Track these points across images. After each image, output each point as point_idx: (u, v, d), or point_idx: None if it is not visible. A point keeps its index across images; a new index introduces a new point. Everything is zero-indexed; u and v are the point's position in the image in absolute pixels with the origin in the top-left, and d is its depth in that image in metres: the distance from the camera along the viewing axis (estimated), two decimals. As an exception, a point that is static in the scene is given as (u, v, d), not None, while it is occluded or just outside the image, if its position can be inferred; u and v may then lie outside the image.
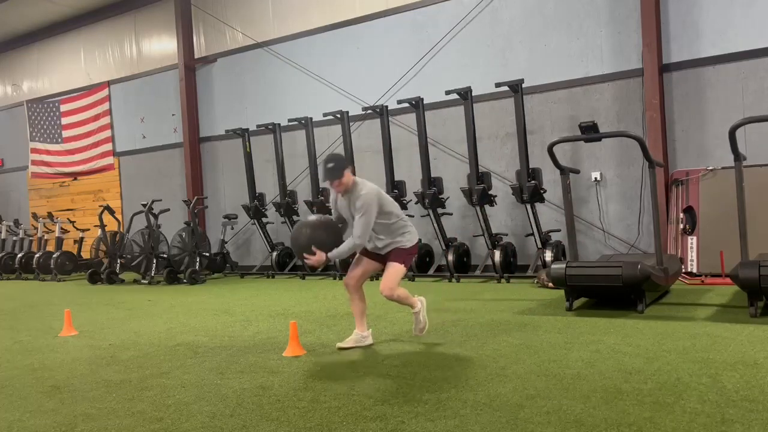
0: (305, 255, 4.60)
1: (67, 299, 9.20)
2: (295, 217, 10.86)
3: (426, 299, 5.10)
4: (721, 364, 3.88)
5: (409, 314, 6.28)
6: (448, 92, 8.96)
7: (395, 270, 4.72)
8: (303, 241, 4.63)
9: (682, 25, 8.23)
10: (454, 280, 8.87)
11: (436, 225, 9.22)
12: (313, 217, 4.81)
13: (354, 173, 4.83)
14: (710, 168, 8.00)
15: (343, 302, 7.37)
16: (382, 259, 4.84)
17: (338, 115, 10.15)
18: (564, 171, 6.54)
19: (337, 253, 4.59)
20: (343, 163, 4.61)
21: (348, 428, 3.12)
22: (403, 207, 9.64)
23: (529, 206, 8.49)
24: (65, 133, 15.27)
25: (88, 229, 13.56)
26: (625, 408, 3.18)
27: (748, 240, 5.53)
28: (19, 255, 13.33)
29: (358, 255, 4.89)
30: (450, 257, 9.03)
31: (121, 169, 14.47)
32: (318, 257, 4.55)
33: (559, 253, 8.49)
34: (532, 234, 8.59)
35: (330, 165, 4.58)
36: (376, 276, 9.59)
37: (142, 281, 10.92)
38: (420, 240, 4.96)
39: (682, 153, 8.32)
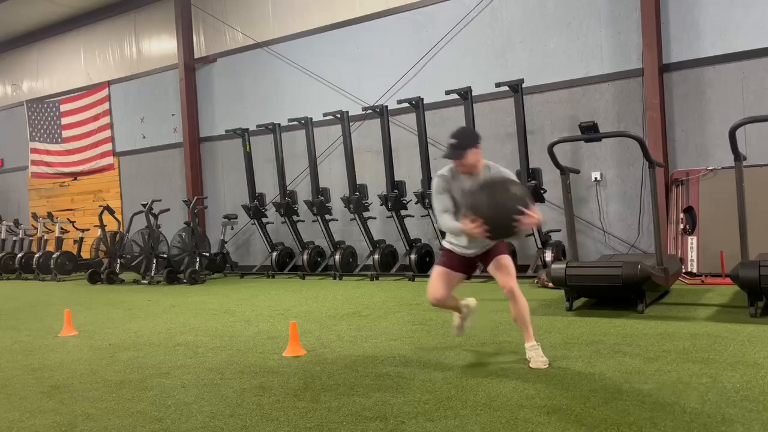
0: (516, 219, 3.71)
1: (67, 299, 9.19)
2: (294, 217, 10.85)
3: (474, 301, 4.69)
4: (721, 364, 3.88)
5: (409, 314, 6.30)
6: (448, 92, 8.96)
7: (510, 262, 4.15)
8: (511, 205, 3.74)
9: (682, 25, 8.23)
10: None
11: (436, 225, 9.22)
12: (493, 180, 3.98)
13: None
14: (710, 168, 8.00)
15: (343, 302, 7.38)
16: (470, 265, 4.29)
17: (338, 115, 10.15)
18: (564, 171, 6.54)
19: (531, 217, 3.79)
20: (468, 141, 4.00)
21: (348, 428, 3.12)
22: (403, 207, 9.68)
23: (529, 206, 8.47)
24: (65, 133, 15.27)
25: (88, 229, 13.56)
26: (625, 408, 3.17)
27: (748, 240, 5.53)
28: (19, 255, 13.33)
29: (440, 269, 4.28)
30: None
31: (121, 169, 14.47)
32: (534, 215, 3.75)
33: (559, 253, 8.48)
34: (532, 234, 8.59)
35: (453, 142, 4.01)
36: (376, 277, 9.67)
37: (142, 281, 10.92)
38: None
39: (682, 153, 8.32)
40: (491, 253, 4.17)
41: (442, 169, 4.18)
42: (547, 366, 3.97)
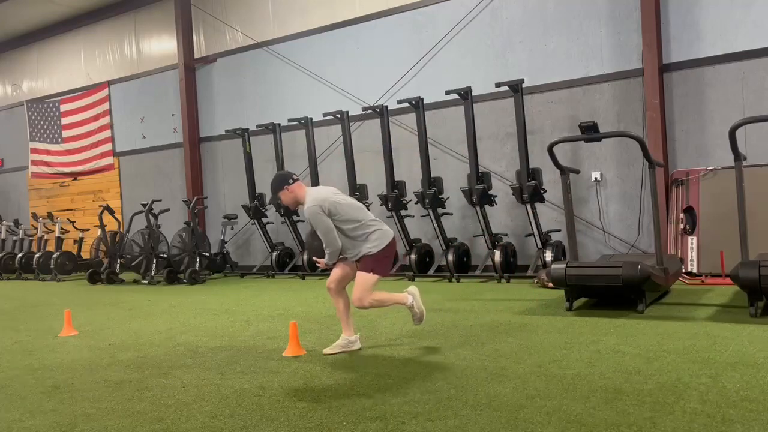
0: (315, 260, 4.94)
1: (67, 299, 9.20)
2: (295, 217, 10.85)
3: (417, 288, 4.97)
4: (721, 364, 3.88)
5: (409, 314, 6.29)
6: (448, 92, 8.96)
7: (362, 280, 4.66)
8: (310, 250, 5.12)
9: (682, 25, 8.23)
10: (454, 280, 8.87)
11: (436, 225, 9.22)
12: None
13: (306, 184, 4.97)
14: (710, 168, 8.00)
15: (343, 302, 7.37)
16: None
17: (338, 115, 10.15)
18: (564, 171, 6.54)
19: (327, 259, 4.75)
20: (278, 184, 4.75)
21: (348, 428, 3.12)
22: (403, 207, 9.66)
23: (529, 206, 8.48)
24: (65, 133, 15.27)
25: (88, 229, 13.56)
26: (625, 408, 3.17)
27: (748, 240, 5.53)
28: (19, 255, 13.33)
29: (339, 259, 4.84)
30: (450, 257, 9.03)
31: (121, 169, 14.47)
32: (322, 262, 4.81)
33: (559, 253, 8.48)
34: (532, 234, 8.59)
35: (271, 187, 4.82)
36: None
37: (142, 281, 10.92)
38: (393, 237, 4.82)
39: (682, 153, 8.32)
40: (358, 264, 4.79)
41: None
42: (326, 353, 4.67)
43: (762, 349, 4.17)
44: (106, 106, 14.54)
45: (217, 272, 11.71)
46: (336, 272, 4.86)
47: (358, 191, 9.95)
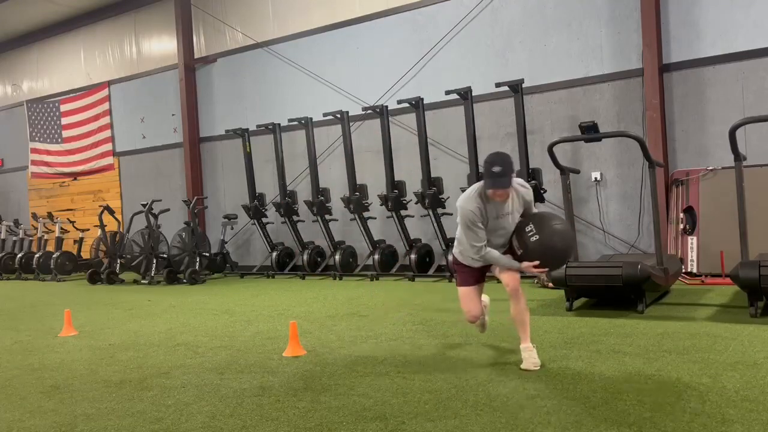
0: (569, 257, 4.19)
1: (67, 299, 9.19)
2: (294, 217, 10.85)
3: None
4: (721, 364, 3.88)
5: (409, 314, 6.30)
6: (448, 92, 8.96)
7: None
8: (571, 252, 4.23)
9: (682, 25, 8.22)
10: (454, 280, 8.87)
11: (436, 225, 9.22)
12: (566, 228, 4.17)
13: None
14: (710, 168, 8.00)
15: (343, 302, 7.38)
16: (483, 272, 4.28)
17: (338, 115, 10.15)
18: (564, 171, 6.54)
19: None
20: (511, 167, 3.86)
21: (348, 428, 3.12)
22: (403, 207, 9.67)
23: (529, 206, 8.47)
24: (65, 133, 15.27)
25: (88, 229, 13.56)
26: (625, 408, 3.18)
27: (748, 240, 5.53)
28: (19, 255, 13.34)
29: (468, 289, 4.26)
30: (450, 257, 9.01)
31: (121, 169, 14.47)
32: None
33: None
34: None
35: (497, 170, 3.80)
36: (376, 277, 9.68)
37: (142, 281, 10.92)
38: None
39: (682, 153, 8.32)
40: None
41: (468, 194, 4.01)
42: (538, 368, 3.97)
43: (762, 349, 4.17)
44: (106, 106, 14.54)
45: (217, 272, 11.70)
46: (472, 299, 4.26)
47: (358, 191, 9.95)
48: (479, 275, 4.26)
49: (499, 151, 3.97)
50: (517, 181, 4.06)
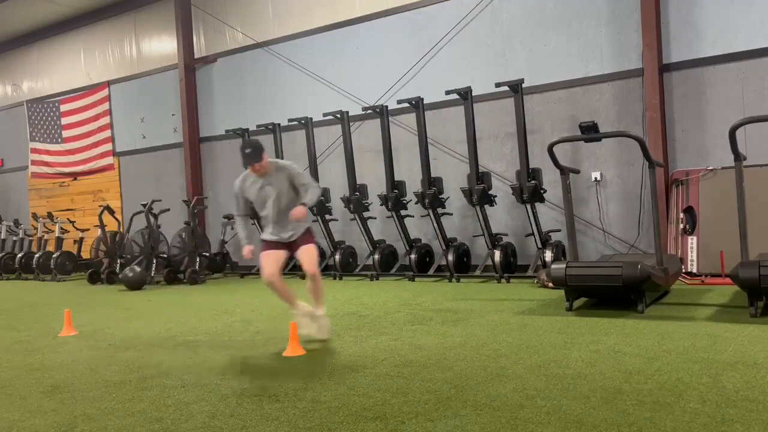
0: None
1: (67, 299, 9.20)
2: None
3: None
4: (721, 364, 3.88)
5: (409, 314, 6.30)
6: (448, 92, 8.96)
7: (314, 249, 5.15)
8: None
9: (682, 25, 8.22)
10: (454, 280, 8.87)
11: (436, 225, 9.22)
12: None
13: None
14: (710, 168, 8.00)
15: (343, 302, 7.38)
16: (288, 246, 5.14)
17: (338, 115, 10.14)
18: (564, 171, 6.54)
19: (309, 200, 4.98)
20: (261, 145, 5.00)
21: (348, 428, 3.12)
22: (403, 207, 9.67)
23: (529, 206, 8.48)
24: (65, 133, 15.27)
25: (88, 229, 13.56)
26: (625, 408, 3.18)
27: (748, 240, 5.53)
28: (19, 255, 13.34)
29: (266, 253, 5.12)
30: (450, 257, 9.03)
31: (121, 169, 14.47)
32: (299, 211, 4.91)
33: (559, 253, 8.48)
34: (532, 234, 8.59)
35: (248, 150, 4.90)
36: (376, 277, 9.67)
37: (142, 281, 10.92)
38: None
39: (682, 153, 8.32)
40: (298, 242, 5.13)
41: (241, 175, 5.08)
42: (325, 338, 4.97)
43: (762, 349, 4.17)
44: (106, 106, 14.54)
45: (217, 272, 11.70)
46: (270, 260, 5.11)
47: (358, 191, 9.95)
48: (276, 246, 5.12)
49: (251, 138, 5.05)
50: (282, 161, 5.16)
